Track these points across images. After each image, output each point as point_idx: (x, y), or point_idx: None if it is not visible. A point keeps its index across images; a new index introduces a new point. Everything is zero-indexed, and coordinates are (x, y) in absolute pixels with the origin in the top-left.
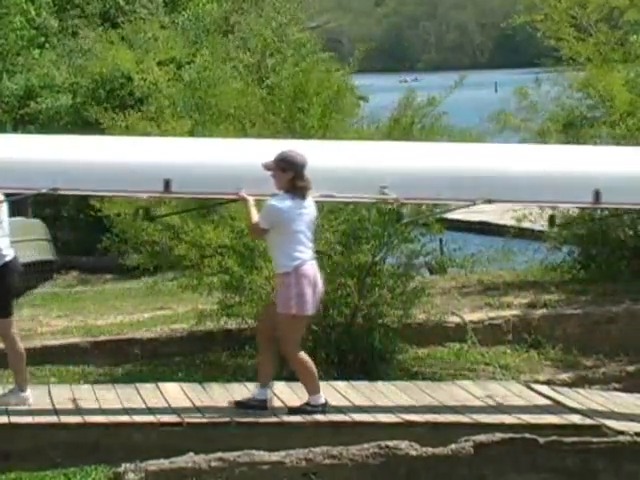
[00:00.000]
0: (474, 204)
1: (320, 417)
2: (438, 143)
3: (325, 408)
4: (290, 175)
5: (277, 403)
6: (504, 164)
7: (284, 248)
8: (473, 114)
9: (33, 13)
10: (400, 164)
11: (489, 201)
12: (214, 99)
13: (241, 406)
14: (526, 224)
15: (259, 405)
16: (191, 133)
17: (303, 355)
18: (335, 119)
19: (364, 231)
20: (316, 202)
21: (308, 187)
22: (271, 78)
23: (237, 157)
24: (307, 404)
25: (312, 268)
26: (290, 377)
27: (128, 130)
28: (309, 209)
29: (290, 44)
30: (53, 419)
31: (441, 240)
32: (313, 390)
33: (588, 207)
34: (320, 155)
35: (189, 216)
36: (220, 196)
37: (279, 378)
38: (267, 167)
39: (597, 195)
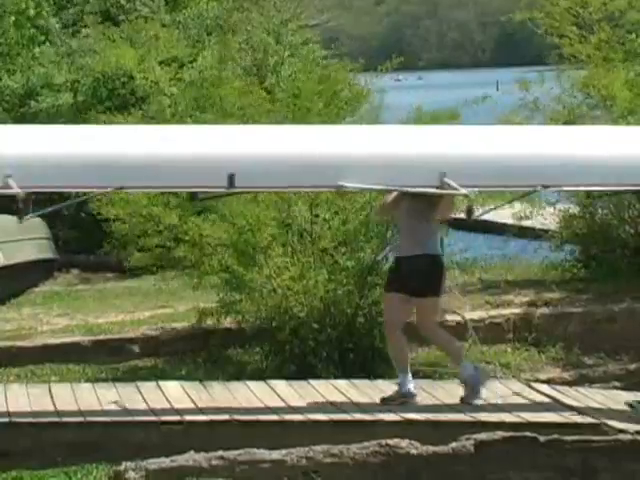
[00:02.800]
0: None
1: (321, 416)
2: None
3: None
4: None
5: (277, 403)
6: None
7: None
8: (474, 113)
9: (32, 12)
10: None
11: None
12: (216, 98)
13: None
14: (527, 223)
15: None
16: None
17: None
18: (339, 117)
19: (366, 230)
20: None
21: None
22: (272, 77)
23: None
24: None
25: None
26: (291, 377)
27: None
28: None
29: (290, 44)
30: (54, 418)
31: (442, 239)
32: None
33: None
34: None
35: (188, 214)
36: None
37: (279, 377)
38: None
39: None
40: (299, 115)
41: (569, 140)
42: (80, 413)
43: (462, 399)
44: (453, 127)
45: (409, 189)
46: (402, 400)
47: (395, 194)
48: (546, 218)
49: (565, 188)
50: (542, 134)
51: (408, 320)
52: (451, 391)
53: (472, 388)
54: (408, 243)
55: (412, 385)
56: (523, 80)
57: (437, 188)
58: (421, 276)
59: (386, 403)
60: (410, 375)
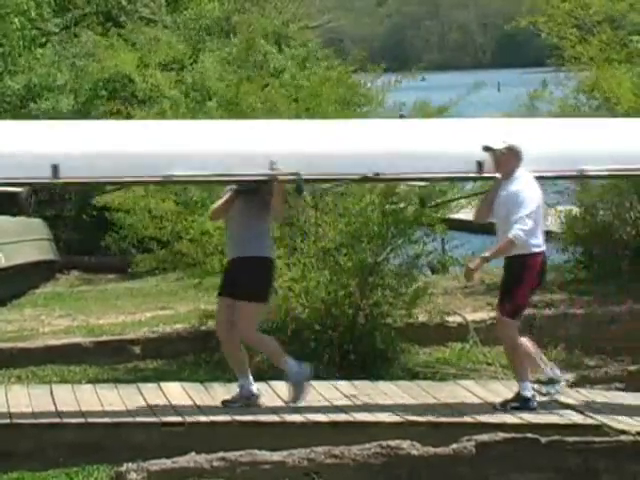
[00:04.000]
0: None
1: (322, 417)
2: None
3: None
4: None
5: (278, 404)
6: None
7: None
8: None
9: (33, 13)
10: None
11: None
12: (216, 99)
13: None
14: None
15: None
16: None
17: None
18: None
19: (368, 231)
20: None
21: None
22: (272, 78)
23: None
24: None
25: None
26: None
27: None
28: None
29: (292, 43)
30: (55, 419)
31: (443, 240)
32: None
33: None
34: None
35: (189, 212)
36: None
37: (280, 378)
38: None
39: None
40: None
41: (402, 132)
42: (81, 414)
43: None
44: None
45: (238, 178)
46: (245, 402)
47: (228, 195)
48: (548, 220)
49: (396, 177)
50: (377, 127)
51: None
52: (452, 392)
53: (296, 387)
54: (238, 244)
55: (254, 387)
56: (530, 92)
57: (267, 176)
58: (245, 279)
59: (227, 405)
60: (251, 377)
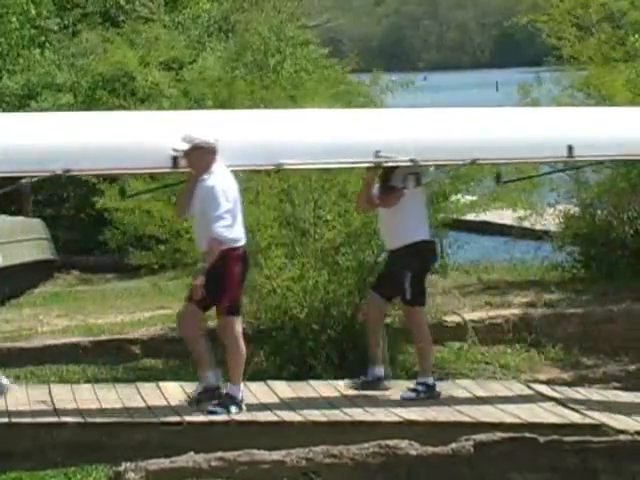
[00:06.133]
0: None
1: (320, 416)
2: None
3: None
4: None
5: (277, 404)
6: None
7: None
8: None
9: (33, 12)
10: None
11: None
12: (216, 98)
13: None
14: (527, 224)
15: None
16: None
17: None
18: None
19: (366, 230)
20: None
21: None
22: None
23: None
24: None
25: None
26: (290, 377)
27: None
28: None
29: (289, 43)
30: (53, 419)
31: (441, 240)
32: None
33: None
34: None
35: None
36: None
37: (279, 378)
38: None
39: None
40: None
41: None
42: (80, 414)
43: None
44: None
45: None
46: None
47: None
48: (546, 219)
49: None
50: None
51: None
52: (450, 392)
53: None
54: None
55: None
56: (521, 83)
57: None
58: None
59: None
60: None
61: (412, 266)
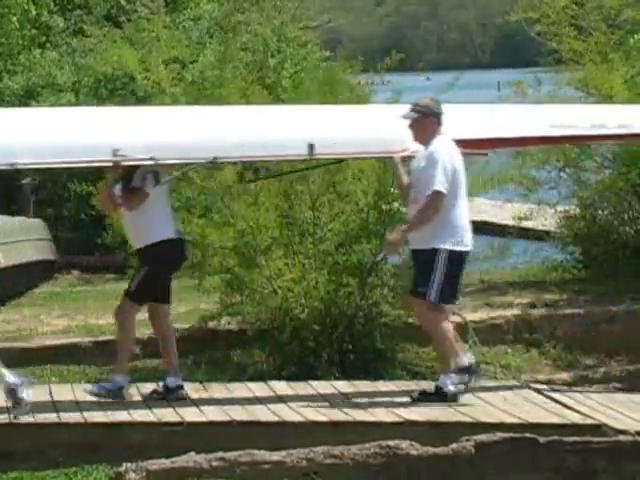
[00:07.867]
0: None
1: (321, 417)
2: None
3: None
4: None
5: (277, 404)
6: None
7: None
8: None
9: (34, 12)
10: None
11: None
12: (217, 98)
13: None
14: (527, 224)
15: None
16: None
17: None
18: None
19: (365, 230)
20: None
21: None
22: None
23: None
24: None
25: None
26: (291, 377)
27: None
28: None
29: (290, 43)
30: (54, 419)
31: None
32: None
33: None
34: None
35: (191, 215)
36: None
37: (280, 378)
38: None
39: None
40: None
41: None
42: (80, 414)
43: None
44: None
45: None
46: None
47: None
48: (546, 219)
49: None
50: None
51: None
52: None
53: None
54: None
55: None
56: (516, 81)
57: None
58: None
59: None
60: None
61: (159, 264)
